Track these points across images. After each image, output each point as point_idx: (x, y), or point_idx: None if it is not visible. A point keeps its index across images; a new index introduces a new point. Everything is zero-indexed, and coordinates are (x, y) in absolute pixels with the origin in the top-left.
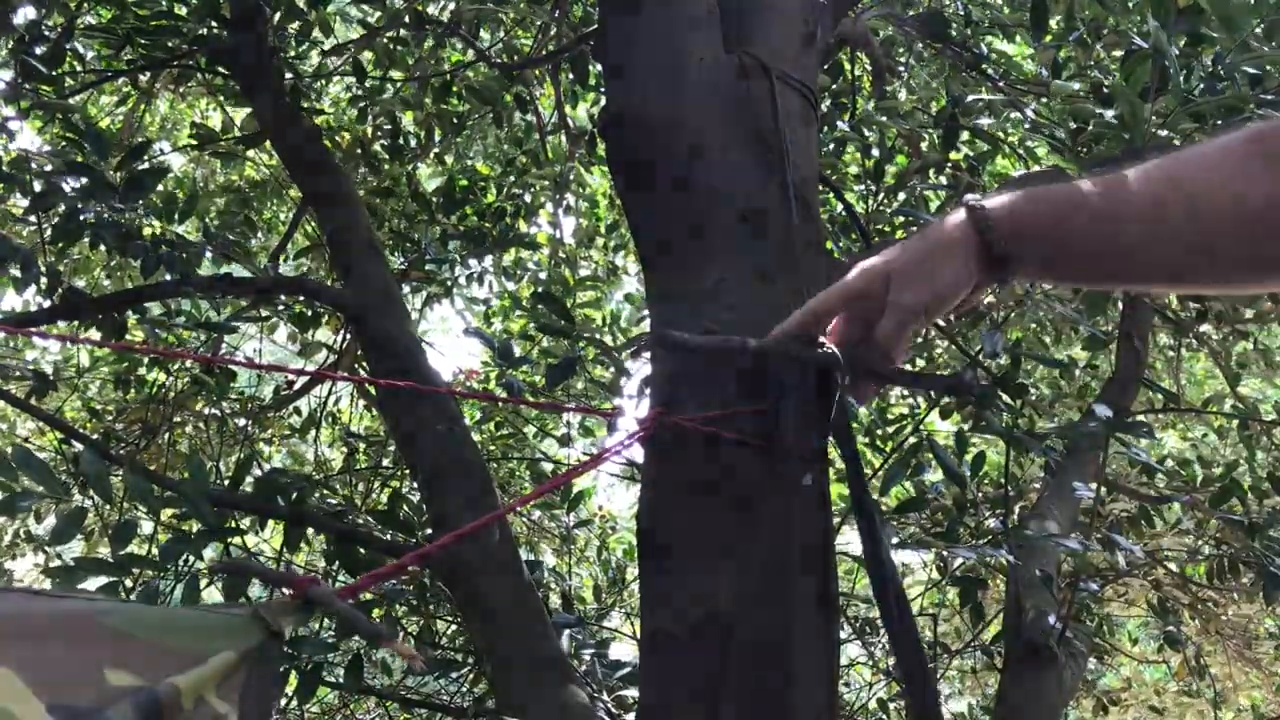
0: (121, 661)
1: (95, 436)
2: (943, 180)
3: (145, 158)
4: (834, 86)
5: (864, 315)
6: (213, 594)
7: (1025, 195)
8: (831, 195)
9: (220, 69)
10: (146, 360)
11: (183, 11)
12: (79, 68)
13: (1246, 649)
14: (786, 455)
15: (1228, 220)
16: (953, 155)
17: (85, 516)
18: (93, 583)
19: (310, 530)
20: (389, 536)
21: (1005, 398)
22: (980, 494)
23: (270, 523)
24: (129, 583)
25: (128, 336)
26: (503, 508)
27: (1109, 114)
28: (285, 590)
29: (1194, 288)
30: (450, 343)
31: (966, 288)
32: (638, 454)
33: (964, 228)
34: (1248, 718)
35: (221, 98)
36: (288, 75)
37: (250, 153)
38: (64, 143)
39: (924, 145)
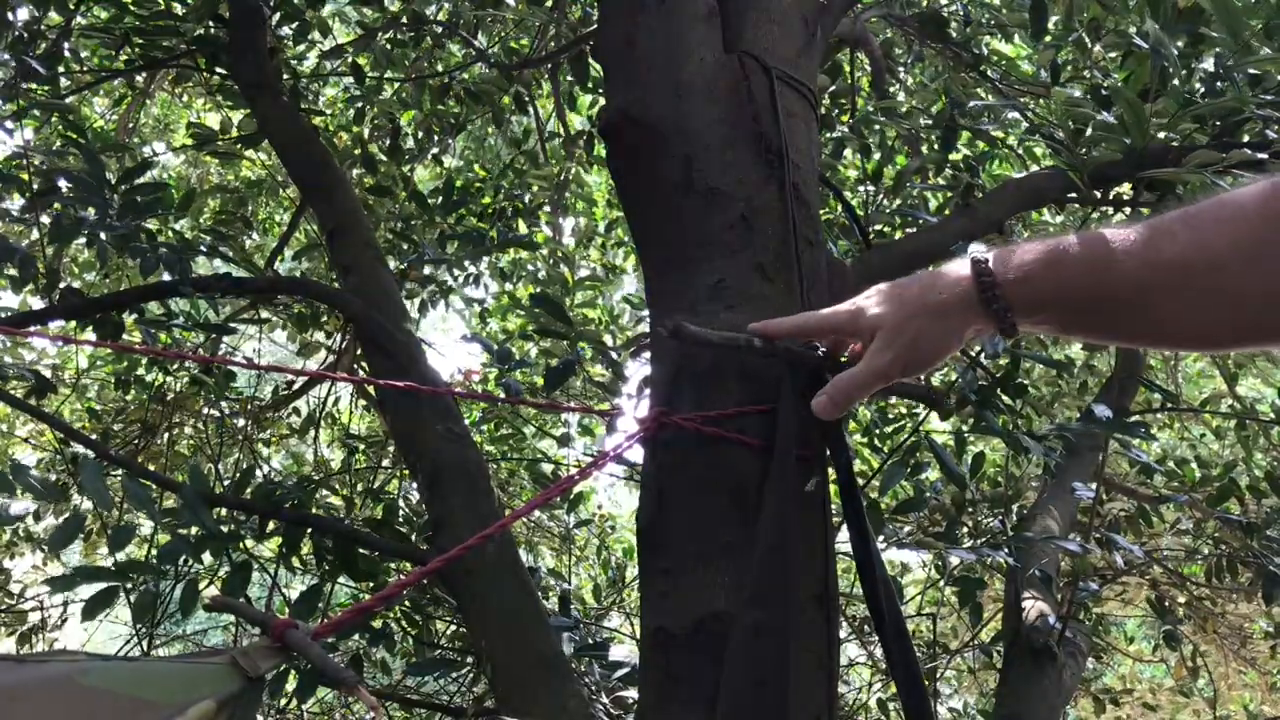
0: (101, 717)
1: (94, 437)
2: (942, 181)
3: (145, 173)
4: (834, 87)
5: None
6: (213, 592)
7: (1041, 257)
8: (831, 195)
9: (219, 69)
10: (145, 361)
11: (181, 12)
12: (77, 68)
13: (1241, 648)
14: (785, 455)
15: (1257, 296)
16: (952, 156)
17: (83, 523)
18: (92, 589)
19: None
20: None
21: (1005, 398)
22: (979, 494)
23: (270, 524)
24: (128, 585)
25: (125, 337)
26: (504, 512)
27: (1109, 116)
28: (263, 631)
29: (1220, 350)
30: (450, 343)
31: (952, 351)
32: (637, 454)
33: (966, 291)
34: (1242, 717)
35: (220, 97)
36: (286, 76)
37: (248, 152)
38: (61, 142)
39: (923, 146)
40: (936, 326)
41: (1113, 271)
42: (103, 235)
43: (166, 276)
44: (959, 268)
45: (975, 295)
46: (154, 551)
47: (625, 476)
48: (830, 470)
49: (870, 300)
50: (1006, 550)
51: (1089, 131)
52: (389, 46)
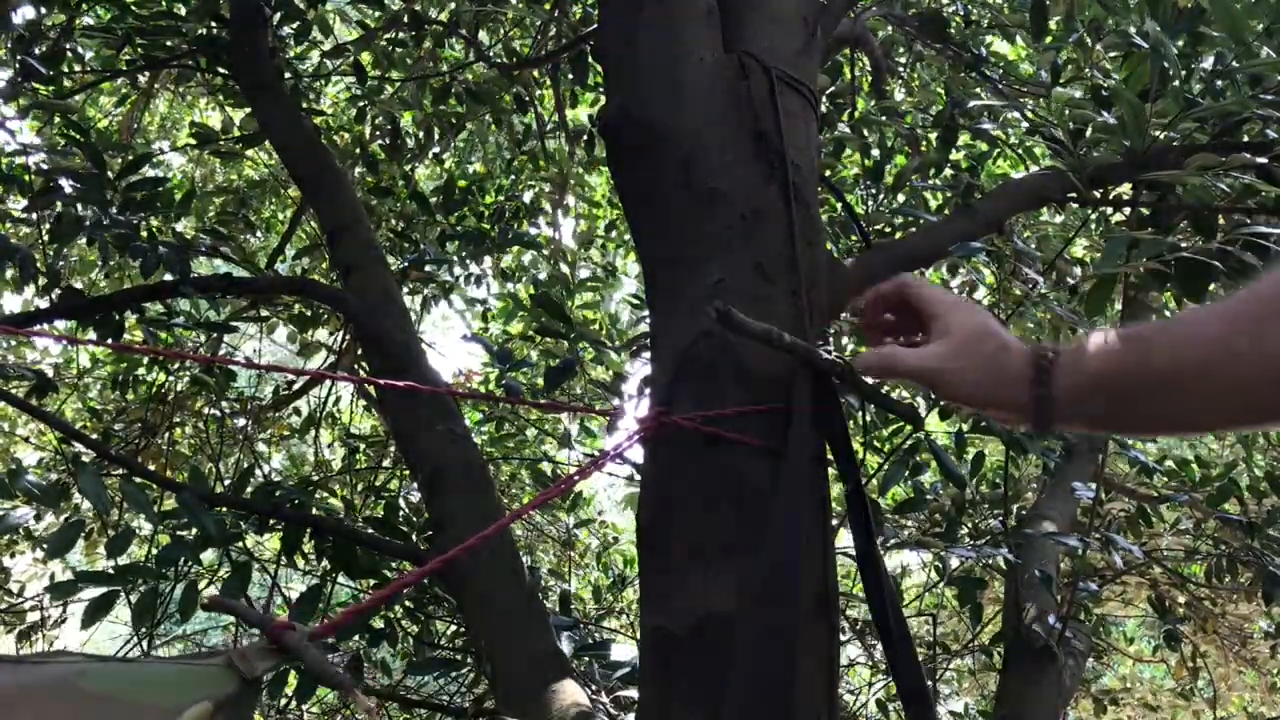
0: None
1: (94, 437)
2: (942, 181)
3: (144, 167)
4: (834, 87)
5: (899, 322)
6: (212, 593)
7: (1099, 369)
8: (831, 195)
9: (220, 69)
10: (146, 360)
11: (182, 12)
12: (78, 68)
13: (1241, 648)
14: (800, 457)
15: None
16: (952, 156)
17: (83, 528)
18: (93, 592)
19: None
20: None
21: None
22: (978, 494)
23: (270, 523)
24: (128, 587)
25: (126, 337)
26: (505, 512)
27: (1109, 117)
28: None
29: (1241, 430)
30: (450, 343)
31: (978, 410)
32: (638, 454)
33: (1024, 386)
34: (1241, 719)
35: (221, 97)
36: (287, 75)
37: (249, 152)
38: (63, 142)
39: (923, 146)
40: (980, 388)
41: (1143, 375)
42: (105, 235)
43: (168, 276)
44: (1023, 360)
45: (1030, 407)
46: (154, 551)
47: (625, 477)
48: (832, 471)
49: (959, 316)
50: (1006, 550)
51: (1089, 132)
52: (390, 46)
